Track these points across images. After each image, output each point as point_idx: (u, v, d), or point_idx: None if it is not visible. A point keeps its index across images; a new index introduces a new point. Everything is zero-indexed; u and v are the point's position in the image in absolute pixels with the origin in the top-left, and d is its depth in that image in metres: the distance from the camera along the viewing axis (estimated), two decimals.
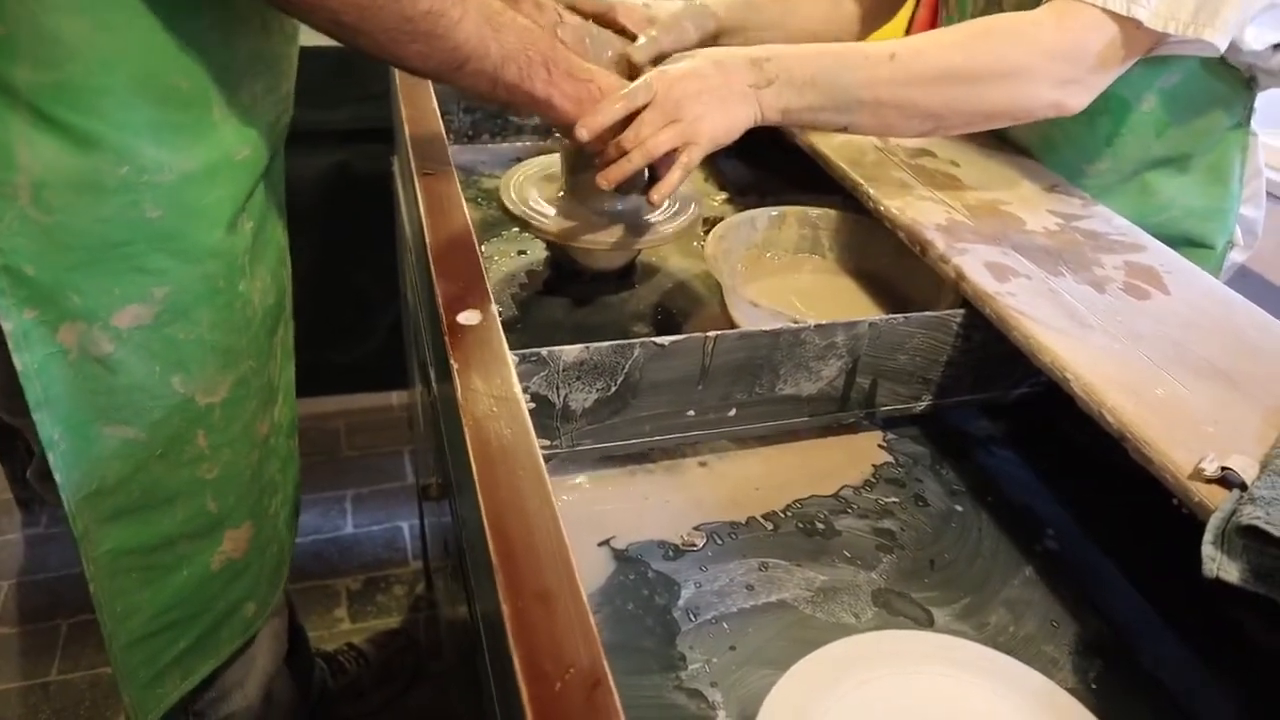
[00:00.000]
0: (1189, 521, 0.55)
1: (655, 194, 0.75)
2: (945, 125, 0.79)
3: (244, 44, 0.65)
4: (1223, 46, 0.74)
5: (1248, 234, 0.97)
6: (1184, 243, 0.90)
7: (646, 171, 0.77)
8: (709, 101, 0.73)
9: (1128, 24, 0.74)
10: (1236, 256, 0.98)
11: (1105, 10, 0.73)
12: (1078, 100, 0.77)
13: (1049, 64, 0.75)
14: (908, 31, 2.22)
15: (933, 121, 0.78)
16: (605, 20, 0.92)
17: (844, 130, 0.79)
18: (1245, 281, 0.82)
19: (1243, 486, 0.53)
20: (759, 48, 0.76)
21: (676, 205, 0.88)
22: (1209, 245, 0.93)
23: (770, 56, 0.75)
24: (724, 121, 0.74)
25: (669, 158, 0.73)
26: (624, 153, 0.72)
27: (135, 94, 0.59)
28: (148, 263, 0.65)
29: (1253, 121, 0.91)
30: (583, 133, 0.71)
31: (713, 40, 0.96)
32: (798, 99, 0.75)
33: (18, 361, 0.63)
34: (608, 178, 0.73)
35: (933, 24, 2.20)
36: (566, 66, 0.69)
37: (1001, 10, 0.90)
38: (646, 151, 0.72)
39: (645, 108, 0.72)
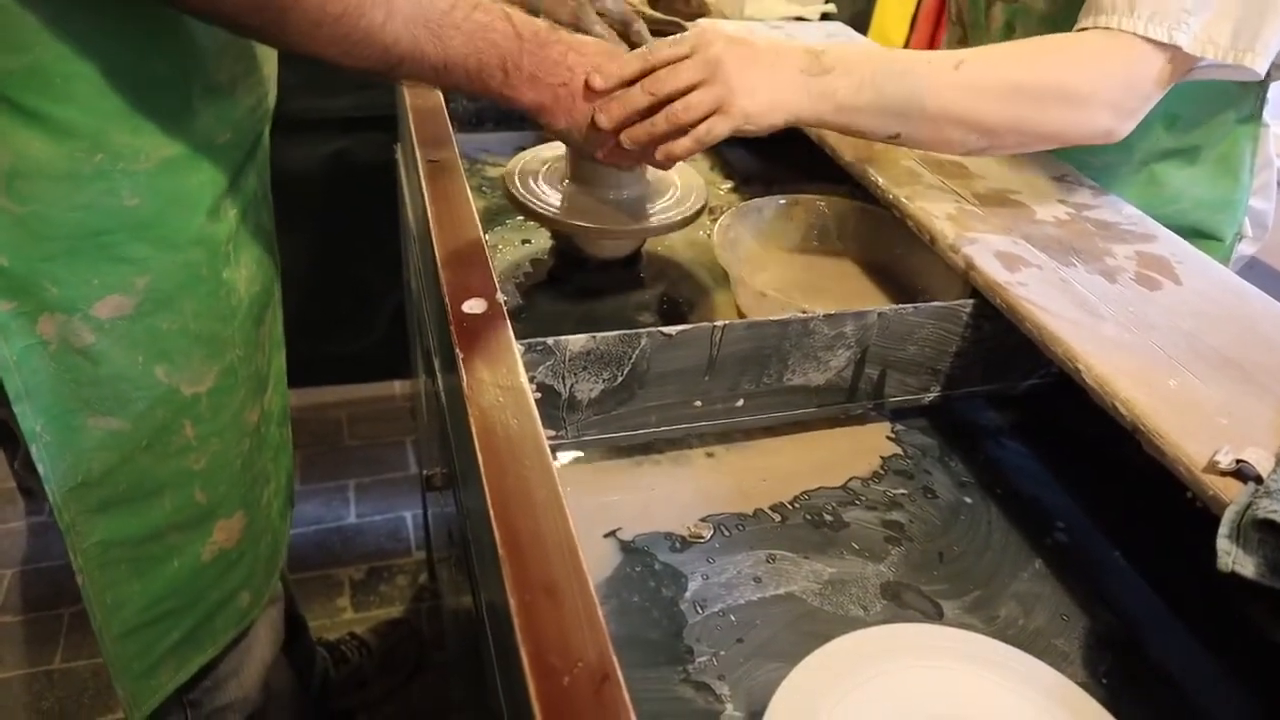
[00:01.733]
0: (1200, 514, 0.54)
1: (662, 154, 0.68)
2: (999, 144, 0.75)
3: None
4: (1262, 72, 0.72)
5: (1257, 226, 0.96)
6: (1192, 234, 0.89)
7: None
8: (755, 73, 0.66)
9: (1168, 50, 0.71)
10: (1245, 249, 0.97)
11: (1147, 38, 0.71)
12: (1124, 130, 0.75)
13: (1110, 91, 0.72)
14: (913, 20, 2.20)
15: (988, 139, 0.74)
16: None
17: (894, 139, 0.74)
18: (1254, 273, 0.81)
19: (1258, 479, 0.52)
20: (812, 41, 0.73)
21: (682, 194, 0.87)
22: (1218, 237, 0.93)
23: (826, 49, 0.71)
24: (766, 99, 0.67)
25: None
26: (653, 100, 0.66)
27: (110, 79, 0.58)
28: (127, 251, 0.63)
29: (1265, 112, 0.90)
30: (596, 80, 0.66)
31: None
32: (853, 95, 0.70)
33: None
34: (630, 136, 0.67)
35: (940, 11, 2.18)
36: (531, 69, 0.65)
37: (1026, 11, 0.89)
38: (674, 114, 0.66)
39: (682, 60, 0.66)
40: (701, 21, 1.31)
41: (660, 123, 0.66)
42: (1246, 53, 0.71)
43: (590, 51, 0.67)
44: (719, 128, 0.67)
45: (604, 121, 0.67)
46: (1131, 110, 0.74)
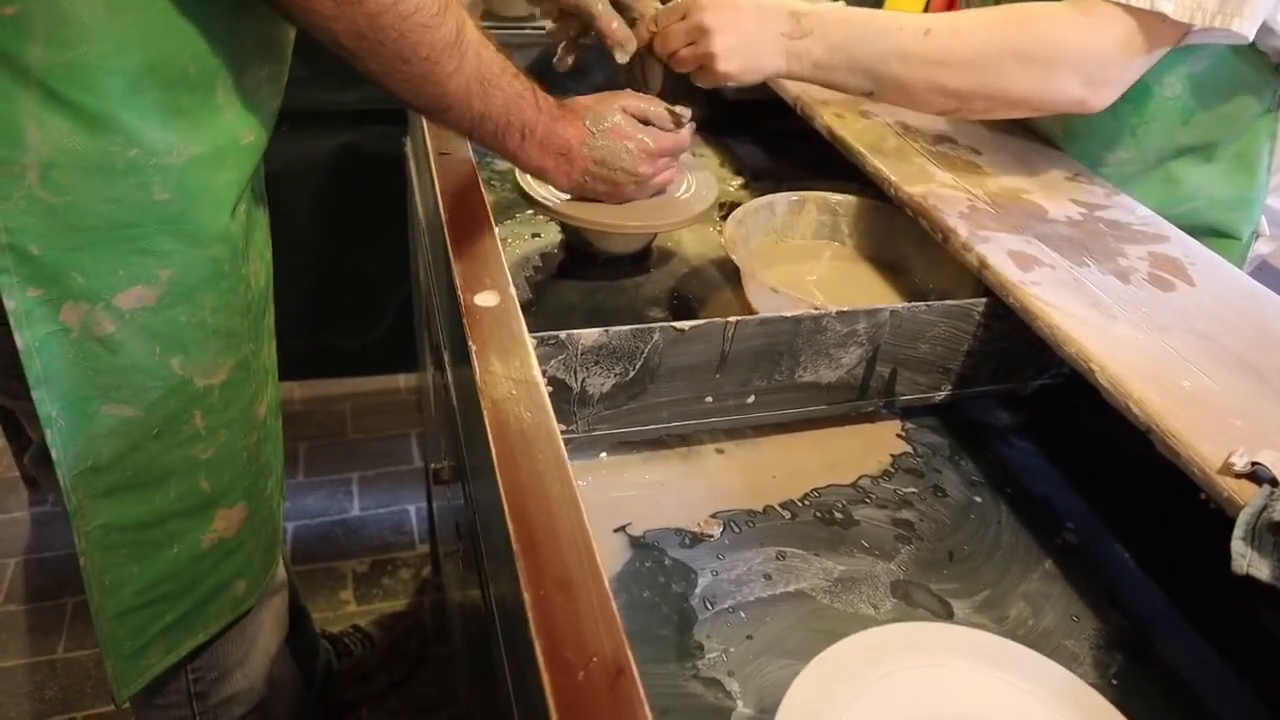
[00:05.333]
0: (1213, 516, 0.54)
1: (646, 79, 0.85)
2: (968, 107, 0.80)
3: (253, 31, 0.65)
4: (1251, 35, 0.73)
5: (1274, 225, 0.96)
6: (1209, 233, 0.89)
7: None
8: (735, 36, 0.75)
9: (1151, 18, 0.72)
10: (1262, 248, 0.96)
11: (1128, 7, 0.72)
12: (1101, 99, 0.77)
13: (1075, 59, 0.74)
14: (926, 6, 2.20)
15: (956, 101, 0.79)
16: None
17: (869, 95, 0.81)
18: (1265, 276, 0.81)
19: (1274, 482, 0.52)
20: (798, 2, 0.78)
21: (692, 190, 0.87)
22: (1234, 236, 0.92)
23: (808, 12, 0.77)
24: (745, 61, 0.77)
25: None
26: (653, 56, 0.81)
27: (145, 76, 0.59)
28: (154, 245, 0.64)
29: None
30: (620, 57, 0.82)
31: None
32: (828, 56, 0.77)
33: (19, 339, 0.63)
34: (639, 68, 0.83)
35: (951, 3, 2.17)
36: (542, 136, 0.74)
37: None
38: (669, 64, 0.80)
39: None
40: None
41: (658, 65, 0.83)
42: (1234, 17, 0.71)
43: (580, 123, 0.78)
44: (702, 80, 0.81)
45: (621, 56, 0.83)
46: (1108, 80, 0.76)
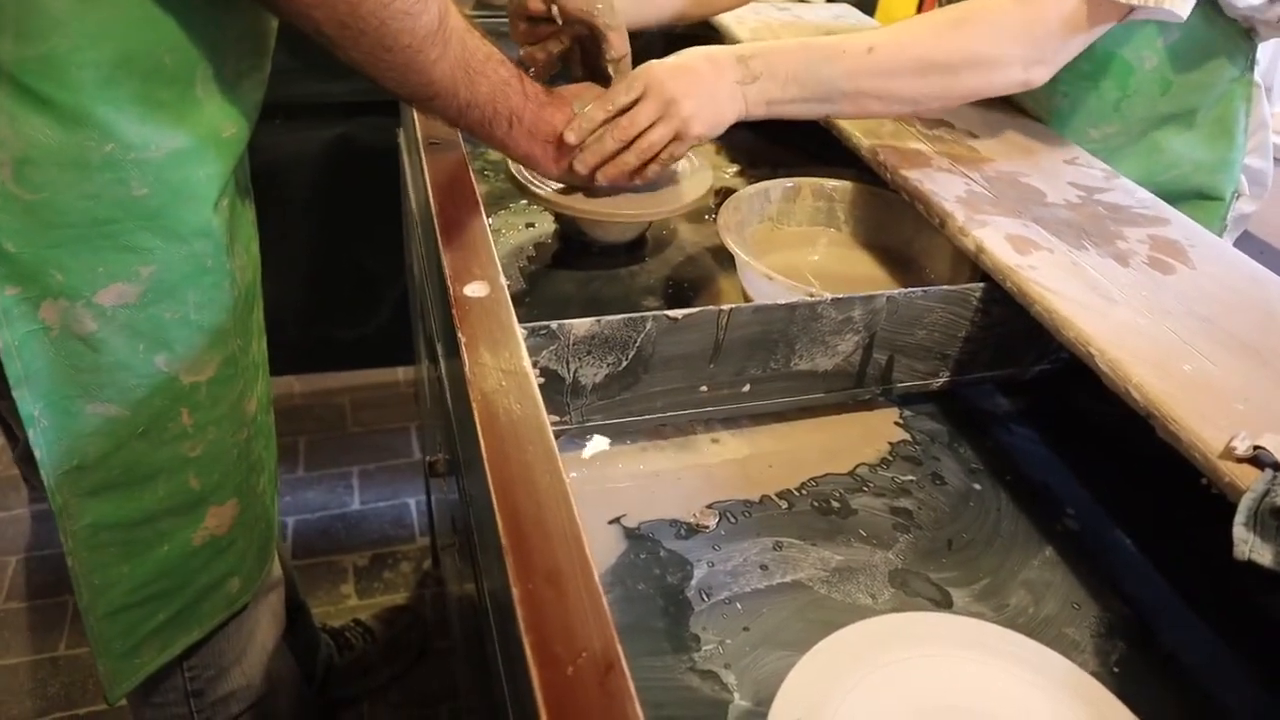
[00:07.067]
0: (1215, 501, 0.53)
1: (639, 179, 0.78)
2: (921, 109, 0.82)
3: (232, 21, 0.64)
4: (1185, 15, 0.75)
5: (1255, 185, 0.98)
6: (1194, 196, 0.92)
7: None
8: (701, 98, 0.75)
9: (1093, 0, 0.74)
10: (1244, 207, 0.99)
11: None
12: (1042, 76, 0.79)
13: (1017, 49, 0.76)
14: (920, 2, 2.19)
15: (910, 105, 0.80)
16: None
17: (825, 117, 0.83)
18: (1254, 253, 0.80)
19: (1276, 466, 0.51)
20: (743, 46, 0.79)
21: (687, 178, 0.86)
22: (1218, 197, 0.94)
23: (755, 54, 0.78)
24: (713, 118, 0.76)
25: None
26: (620, 145, 0.75)
27: (120, 69, 0.58)
28: (134, 241, 0.63)
29: (1255, 72, 0.91)
30: (570, 136, 0.75)
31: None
32: (781, 92, 0.78)
33: None
34: (605, 175, 0.76)
35: None
36: (530, 124, 0.74)
37: None
38: (641, 151, 0.75)
39: (636, 101, 0.75)
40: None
41: (630, 159, 0.76)
42: None
43: (569, 109, 0.76)
44: (678, 150, 0.77)
45: (581, 168, 0.76)
46: (1045, 60, 0.78)
